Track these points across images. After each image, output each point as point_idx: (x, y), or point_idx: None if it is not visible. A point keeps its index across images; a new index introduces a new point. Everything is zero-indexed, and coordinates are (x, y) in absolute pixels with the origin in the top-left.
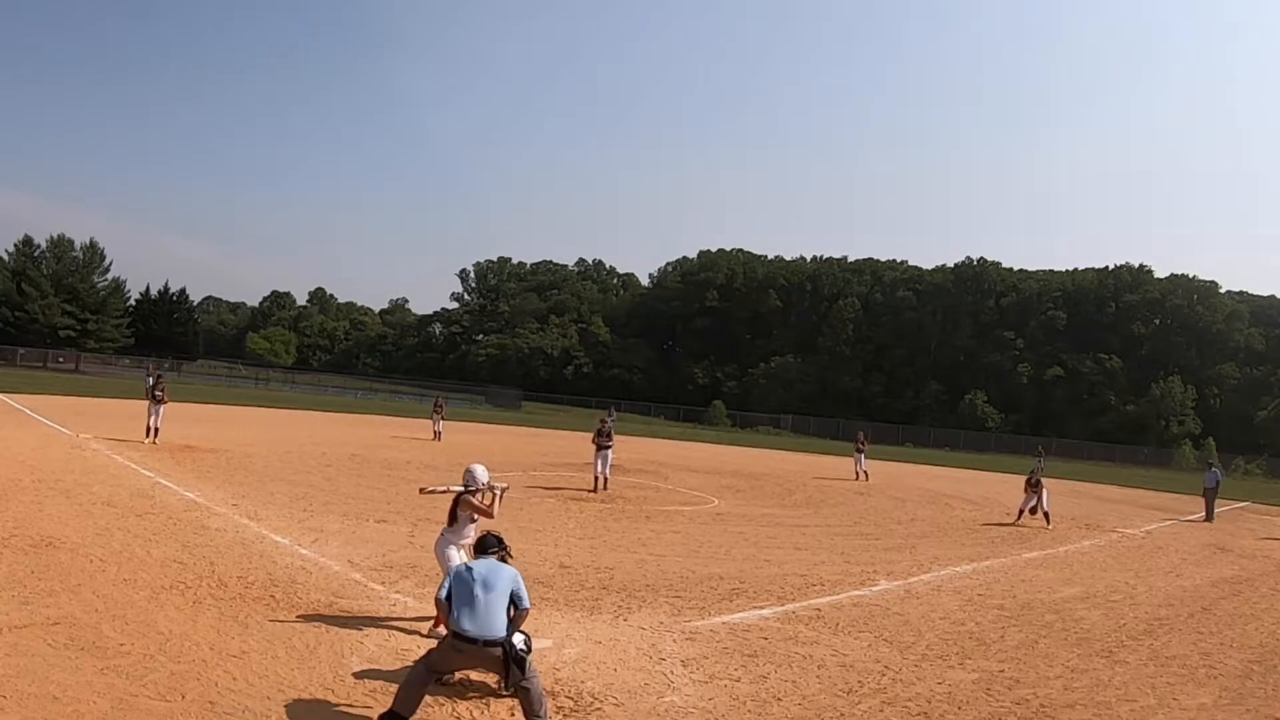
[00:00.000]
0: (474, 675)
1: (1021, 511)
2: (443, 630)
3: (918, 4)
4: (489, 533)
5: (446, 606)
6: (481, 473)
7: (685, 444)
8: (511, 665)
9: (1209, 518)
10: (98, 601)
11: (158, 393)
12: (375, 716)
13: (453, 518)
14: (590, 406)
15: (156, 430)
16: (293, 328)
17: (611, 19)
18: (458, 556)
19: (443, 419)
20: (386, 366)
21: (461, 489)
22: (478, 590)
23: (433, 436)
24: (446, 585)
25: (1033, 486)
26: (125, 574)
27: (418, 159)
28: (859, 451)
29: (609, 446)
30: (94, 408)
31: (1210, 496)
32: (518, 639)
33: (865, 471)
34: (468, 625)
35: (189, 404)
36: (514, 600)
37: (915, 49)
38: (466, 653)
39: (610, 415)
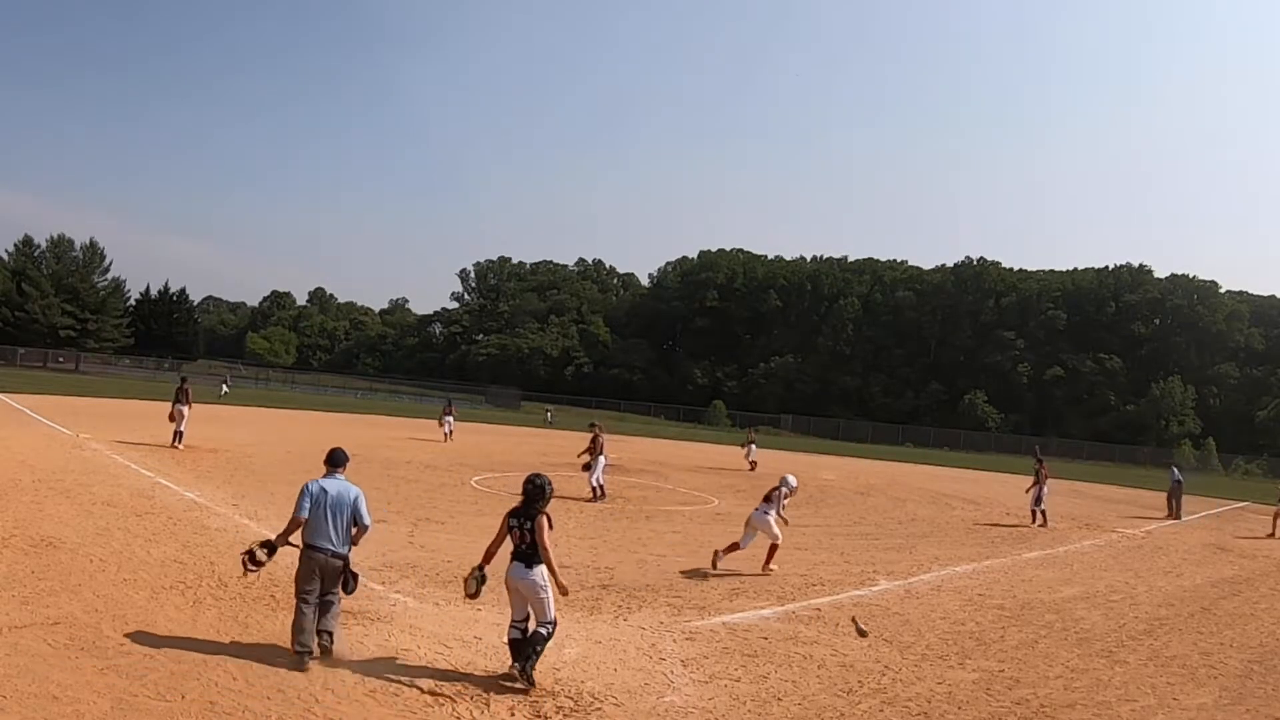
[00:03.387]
0: (475, 672)
1: (1034, 513)
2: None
3: (917, 3)
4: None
5: (301, 522)
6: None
7: (685, 444)
8: (348, 577)
9: (1176, 516)
10: (98, 601)
11: (180, 399)
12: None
13: None
14: (590, 406)
15: (180, 434)
16: (293, 328)
17: (611, 18)
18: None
19: (453, 419)
20: (386, 366)
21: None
22: (329, 509)
23: (442, 438)
24: (305, 505)
25: (1037, 476)
26: (125, 574)
27: (418, 158)
28: (749, 443)
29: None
30: (94, 408)
31: (1175, 494)
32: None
33: (753, 461)
34: (319, 539)
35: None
36: (355, 518)
37: (915, 48)
38: (317, 561)
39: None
